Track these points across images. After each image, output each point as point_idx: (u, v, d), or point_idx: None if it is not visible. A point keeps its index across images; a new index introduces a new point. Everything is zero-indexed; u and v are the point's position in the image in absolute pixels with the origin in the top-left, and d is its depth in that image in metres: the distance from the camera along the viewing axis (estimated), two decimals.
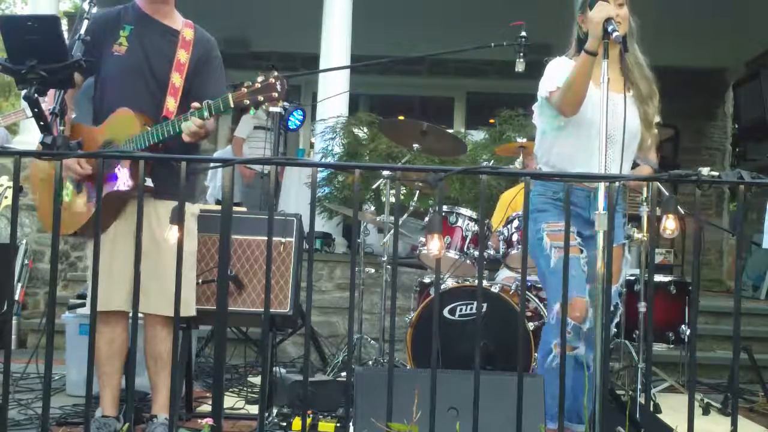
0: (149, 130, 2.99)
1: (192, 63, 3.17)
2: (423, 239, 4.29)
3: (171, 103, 3.07)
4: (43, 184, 3.13)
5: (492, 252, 4.19)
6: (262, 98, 2.85)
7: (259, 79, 2.88)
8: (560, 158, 3.11)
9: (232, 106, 2.88)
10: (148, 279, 3.10)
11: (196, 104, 2.95)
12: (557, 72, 3.04)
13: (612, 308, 3.02)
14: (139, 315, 3.30)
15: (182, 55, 3.15)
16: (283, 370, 4.03)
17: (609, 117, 2.79)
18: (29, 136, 5.80)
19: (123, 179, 2.98)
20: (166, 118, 3.05)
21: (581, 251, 3.06)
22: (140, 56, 3.14)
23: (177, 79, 3.12)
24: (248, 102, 2.86)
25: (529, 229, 3.03)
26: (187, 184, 3.08)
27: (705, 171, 2.33)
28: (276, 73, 2.89)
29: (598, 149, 2.72)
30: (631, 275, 4.60)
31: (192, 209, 3.22)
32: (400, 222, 4.53)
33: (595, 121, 2.83)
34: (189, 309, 3.17)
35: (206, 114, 2.91)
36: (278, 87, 2.86)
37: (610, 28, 2.71)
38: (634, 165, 3.98)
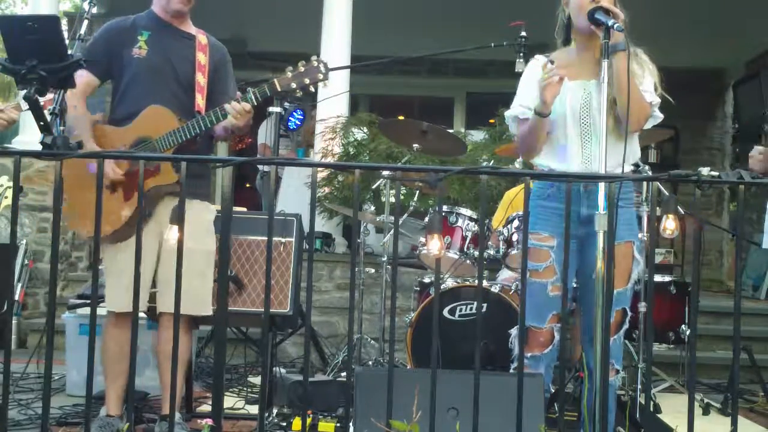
0: (188, 124, 3.09)
1: (211, 65, 3.30)
2: (423, 239, 4.29)
3: (200, 100, 3.22)
4: (73, 183, 3.12)
5: (492, 252, 4.18)
6: (308, 80, 3.01)
7: (301, 63, 3.02)
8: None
9: (279, 89, 3.01)
10: (167, 279, 3.11)
11: (239, 95, 3.08)
12: (528, 96, 2.88)
13: (622, 312, 2.96)
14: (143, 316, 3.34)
15: (201, 58, 3.28)
16: (283, 370, 4.03)
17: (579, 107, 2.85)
18: (29, 136, 5.80)
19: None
20: (199, 113, 3.17)
21: (555, 273, 2.84)
22: (162, 58, 3.24)
23: (201, 79, 3.26)
24: (294, 86, 3.00)
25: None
26: (202, 183, 3.19)
27: (705, 171, 2.33)
28: (317, 57, 3.06)
29: (579, 141, 2.84)
30: None
31: (211, 208, 3.31)
32: (400, 222, 4.53)
33: (567, 113, 2.85)
34: (207, 308, 3.22)
35: (253, 99, 3.03)
36: (322, 68, 3.02)
37: (610, 23, 2.66)
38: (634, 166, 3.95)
